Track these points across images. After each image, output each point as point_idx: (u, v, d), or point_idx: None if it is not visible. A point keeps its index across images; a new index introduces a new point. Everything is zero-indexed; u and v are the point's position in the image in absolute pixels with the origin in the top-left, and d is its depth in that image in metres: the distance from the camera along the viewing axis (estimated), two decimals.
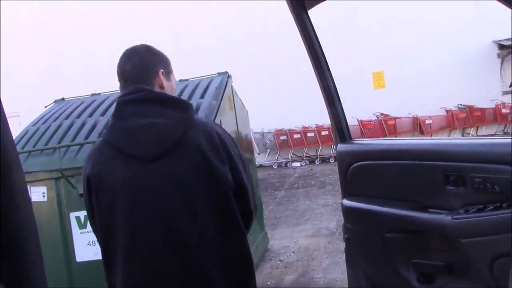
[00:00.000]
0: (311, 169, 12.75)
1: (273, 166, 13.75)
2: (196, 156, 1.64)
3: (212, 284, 1.65)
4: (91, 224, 1.82)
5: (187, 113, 1.71)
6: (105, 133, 1.79)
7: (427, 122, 13.69)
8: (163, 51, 1.91)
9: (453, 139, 1.96)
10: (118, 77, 1.83)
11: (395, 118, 13.60)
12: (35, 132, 4.75)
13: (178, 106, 1.72)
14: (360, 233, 2.16)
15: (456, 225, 1.68)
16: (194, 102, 4.56)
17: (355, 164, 2.16)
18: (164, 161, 1.63)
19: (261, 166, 13.11)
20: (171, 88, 1.85)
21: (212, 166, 1.65)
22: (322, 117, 12.52)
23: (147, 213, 1.63)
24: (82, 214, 4.07)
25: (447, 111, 13.88)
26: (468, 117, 13.78)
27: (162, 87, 1.79)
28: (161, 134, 1.64)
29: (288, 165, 13.76)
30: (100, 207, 1.68)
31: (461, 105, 13.78)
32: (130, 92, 1.72)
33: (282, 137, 13.89)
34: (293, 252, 6.11)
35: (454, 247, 1.72)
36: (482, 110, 13.66)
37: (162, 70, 1.81)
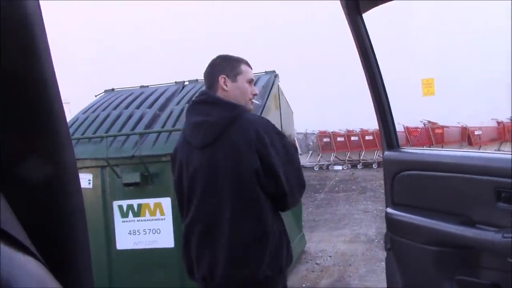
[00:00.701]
0: (353, 174, 12.59)
1: (314, 168, 13.65)
2: (230, 148, 2.13)
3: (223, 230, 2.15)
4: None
5: (231, 112, 2.17)
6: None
7: (476, 133, 13.27)
8: (231, 54, 2.37)
9: (507, 154, 1.88)
10: None
11: (443, 127, 13.25)
12: (84, 120, 4.88)
13: (225, 107, 2.19)
14: (403, 244, 2.10)
15: (506, 244, 1.61)
16: None
17: (402, 173, 2.11)
18: (208, 149, 2.17)
19: (302, 167, 13.04)
20: (236, 88, 2.26)
21: (241, 155, 2.11)
22: (366, 121, 12.39)
23: (195, 183, 2.21)
24: (125, 203, 4.16)
25: (498, 122, 13.41)
26: None
27: (224, 89, 2.24)
28: (208, 129, 2.16)
29: (329, 167, 13.63)
30: (174, 174, 2.37)
31: None
32: (197, 95, 2.37)
33: (325, 139, 13.77)
34: (330, 256, 6.05)
35: (502, 266, 1.66)
36: None
37: (223, 76, 2.24)
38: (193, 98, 2.32)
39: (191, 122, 2.25)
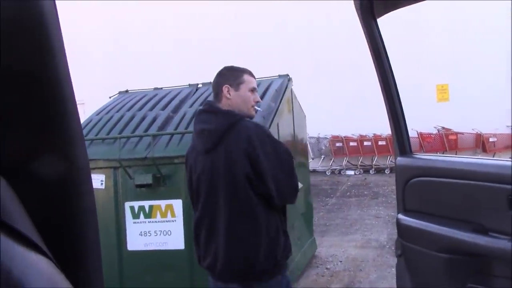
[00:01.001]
0: (365, 179, 12.53)
1: (326, 172, 13.61)
2: (225, 153, 2.34)
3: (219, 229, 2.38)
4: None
5: (229, 120, 2.37)
6: None
7: (491, 139, 13.13)
8: (232, 65, 2.57)
9: None
10: None
11: (457, 133, 13.14)
12: (98, 121, 4.91)
13: (224, 116, 2.40)
14: (414, 251, 2.09)
15: None
16: None
17: (414, 179, 2.09)
18: (210, 154, 2.39)
19: (314, 171, 13.01)
20: (239, 96, 2.46)
21: (234, 160, 2.31)
22: (380, 127, 12.32)
23: (201, 184, 2.45)
24: (137, 204, 4.18)
25: None
26: None
27: (228, 98, 2.45)
28: (209, 136, 2.39)
29: (341, 172, 13.58)
30: (186, 174, 2.61)
31: None
32: (203, 105, 2.59)
33: (337, 144, 13.72)
34: (341, 261, 6.02)
35: None
36: None
37: (227, 85, 2.45)
38: (199, 108, 2.52)
39: (196, 130, 2.51)
